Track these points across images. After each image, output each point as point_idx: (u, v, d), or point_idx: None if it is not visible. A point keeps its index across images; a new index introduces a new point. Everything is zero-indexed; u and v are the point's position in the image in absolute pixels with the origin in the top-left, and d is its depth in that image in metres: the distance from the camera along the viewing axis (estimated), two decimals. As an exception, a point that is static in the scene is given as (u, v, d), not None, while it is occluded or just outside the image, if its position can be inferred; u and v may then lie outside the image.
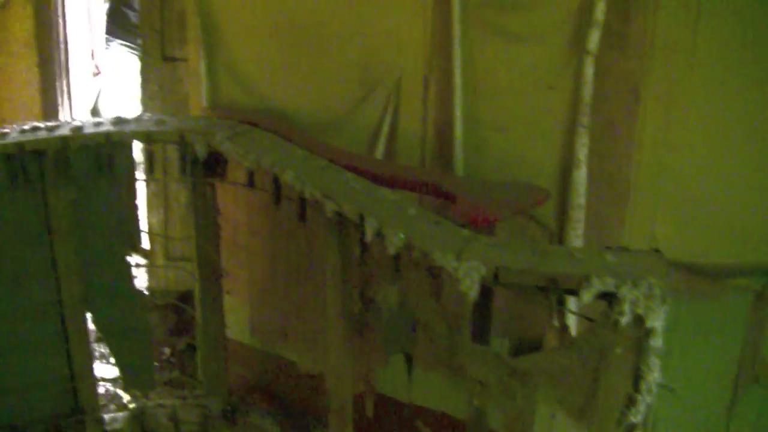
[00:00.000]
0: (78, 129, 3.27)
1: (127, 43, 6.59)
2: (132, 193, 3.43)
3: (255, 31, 3.55)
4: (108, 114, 6.20)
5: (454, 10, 3.04)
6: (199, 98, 3.76)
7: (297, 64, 3.45)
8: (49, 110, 6.55)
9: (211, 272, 3.56)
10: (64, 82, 6.53)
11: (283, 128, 3.29)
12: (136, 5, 6.11)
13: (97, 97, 6.65)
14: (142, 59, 4.60)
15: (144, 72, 4.60)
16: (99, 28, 6.62)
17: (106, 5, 6.75)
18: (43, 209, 3.35)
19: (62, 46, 6.49)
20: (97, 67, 6.66)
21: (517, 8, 2.99)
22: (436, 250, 2.25)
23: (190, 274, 3.67)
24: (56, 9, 6.45)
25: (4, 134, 3.24)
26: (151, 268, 4.68)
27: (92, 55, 6.78)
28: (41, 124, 3.32)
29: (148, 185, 4.37)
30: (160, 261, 4.68)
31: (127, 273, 3.57)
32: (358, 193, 2.63)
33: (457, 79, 3.08)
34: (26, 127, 3.30)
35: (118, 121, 3.35)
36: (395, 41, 3.23)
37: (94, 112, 6.56)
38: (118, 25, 6.63)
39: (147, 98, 4.61)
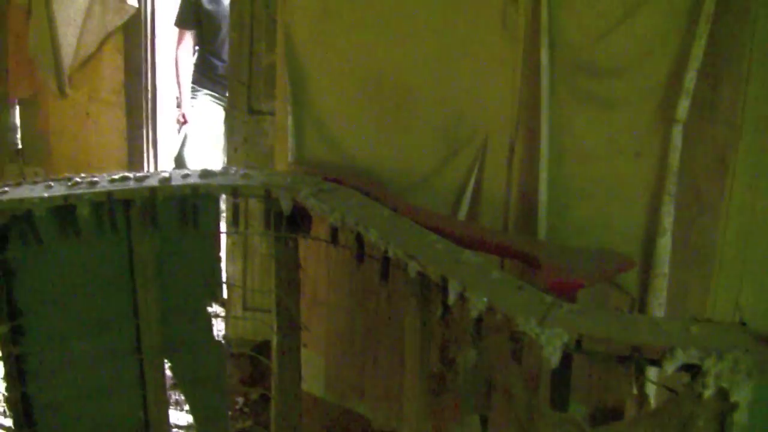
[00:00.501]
0: (166, 180, 3.35)
1: (214, 94, 6.71)
2: (216, 245, 3.50)
3: (342, 88, 3.62)
4: (193, 163, 6.32)
5: (542, 75, 3.08)
6: (284, 152, 3.83)
7: (383, 122, 3.51)
8: (135, 157, 6.71)
9: (290, 325, 3.60)
10: (150, 130, 6.70)
11: (368, 186, 3.34)
12: (225, 57, 6.24)
13: (182, 145, 6.78)
14: (228, 111, 4.71)
15: (229, 123, 4.71)
16: (186, 77, 6.76)
17: (195, 55, 6.89)
18: (128, 257, 3.43)
19: (149, 94, 6.67)
20: (183, 116, 6.79)
21: (606, 75, 3.02)
22: (519, 315, 2.26)
23: (268, 325, 3.72)
24: (145, 58, 6.64)
25: (95, 183, 3.33)
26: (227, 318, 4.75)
27: (178, 104, 6.93)
28: (130, 174, 3.40)
29: (229, 236, 4.45)
30: (238, 310, 4.75)
31: (206, 323, 3.63)
32: (442, 254, 2.66)
33: (544, 144, 3.10)
34: (116, 176, 3.39)
35: (205, 173, 3.43)
36: (482, 103, 3.28)
37: (179, 160, 6.68)
38: (205, 76, 6.74)
39: (231, 149, 4.71)
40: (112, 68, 6.77)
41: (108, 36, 6.75)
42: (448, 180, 3.36)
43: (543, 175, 3.12)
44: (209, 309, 3.62)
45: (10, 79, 7.83)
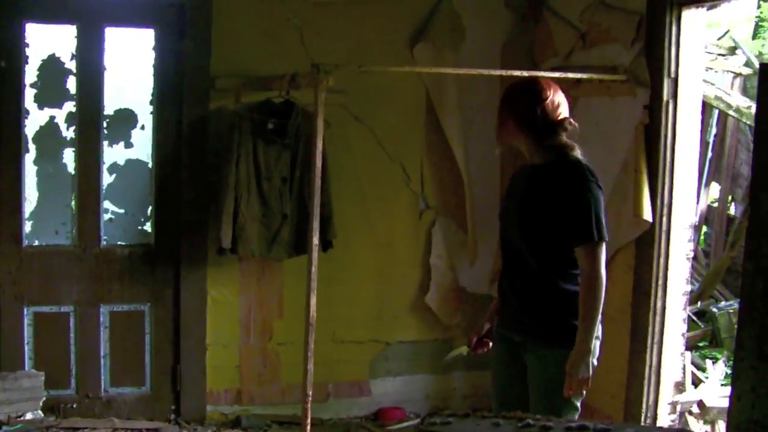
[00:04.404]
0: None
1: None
2: None
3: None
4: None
5: None
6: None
7: None
8: (634, 382, 6.56)
9: None
10: (655, 356, 6.48)
11: None
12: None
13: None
14: (735, 353, 4.41)
15: (735, 368, 4.39)
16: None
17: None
18: None
19: (658, 317, 6.46)
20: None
21: None
22: None
23: None
24: (656, 278, 6.46)
25: (548, 428, 3.28)
26: None
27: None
28: (589, 424, 3.26)
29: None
30: None
31: None
32: None
33: None
34: (572, 424, 3.32)
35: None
36: None
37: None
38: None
39: (735, 397, 4.38)
40: (620, 285, 6.69)
41: (618, 250, 6.71)
42: None
43: None
44: None
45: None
